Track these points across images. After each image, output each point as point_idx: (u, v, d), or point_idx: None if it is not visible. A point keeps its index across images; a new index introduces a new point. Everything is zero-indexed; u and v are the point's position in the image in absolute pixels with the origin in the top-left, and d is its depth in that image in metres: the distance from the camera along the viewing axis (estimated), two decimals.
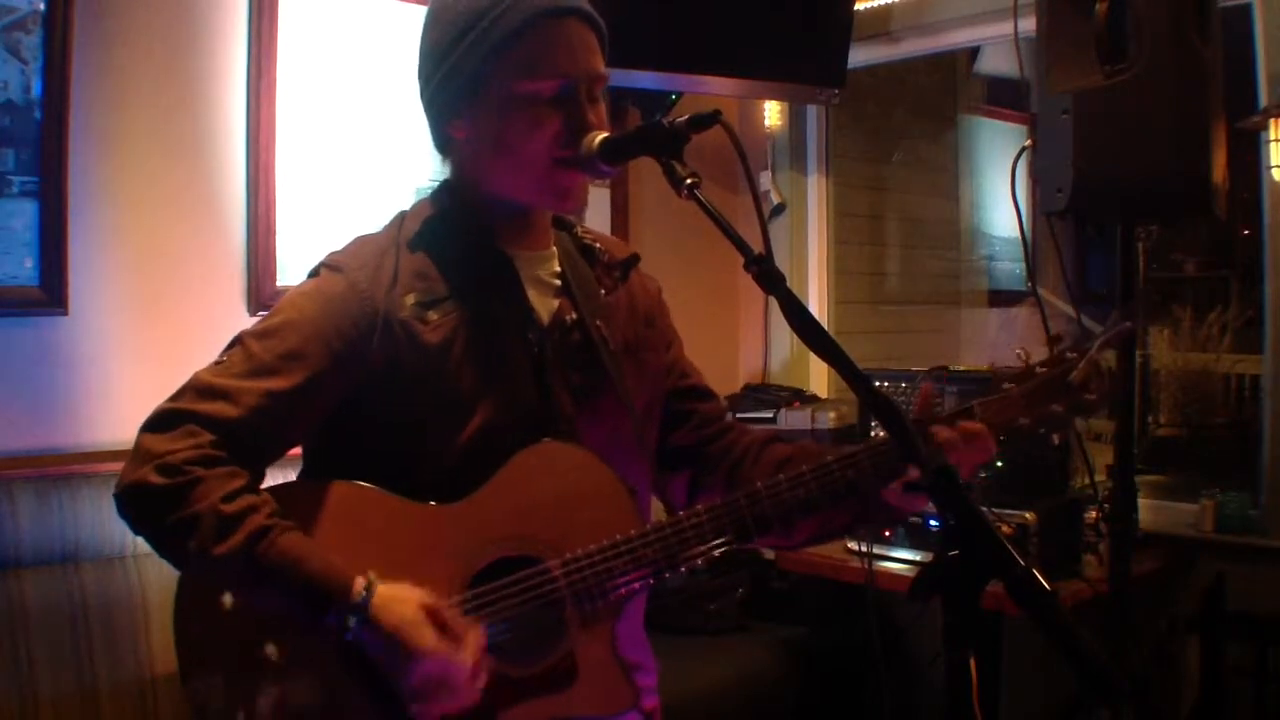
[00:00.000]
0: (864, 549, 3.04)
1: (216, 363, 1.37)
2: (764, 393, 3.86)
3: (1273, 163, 2.98)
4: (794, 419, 3.61)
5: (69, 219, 2.69)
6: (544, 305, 1.50)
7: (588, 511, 1.36)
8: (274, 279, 3.01)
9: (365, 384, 1.38)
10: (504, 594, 1.35)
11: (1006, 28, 2.57)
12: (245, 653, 1.31)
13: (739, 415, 3.73)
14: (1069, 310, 2.90)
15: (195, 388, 1.33)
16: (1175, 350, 4.05)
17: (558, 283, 1.52)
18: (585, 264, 1.57)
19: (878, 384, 2.75)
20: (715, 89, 3.67)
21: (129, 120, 2.81)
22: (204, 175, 2.95)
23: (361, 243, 1.49)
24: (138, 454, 1.30)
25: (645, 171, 1.37)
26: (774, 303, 1.27)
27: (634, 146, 1.47)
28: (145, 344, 2.80)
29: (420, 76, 1.53)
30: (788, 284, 1.28)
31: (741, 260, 1.29)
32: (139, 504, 1.29)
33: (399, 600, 1.27)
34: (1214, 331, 4.07)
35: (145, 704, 2.48)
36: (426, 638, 1.25)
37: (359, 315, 1.38)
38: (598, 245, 1.61)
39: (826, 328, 1.34)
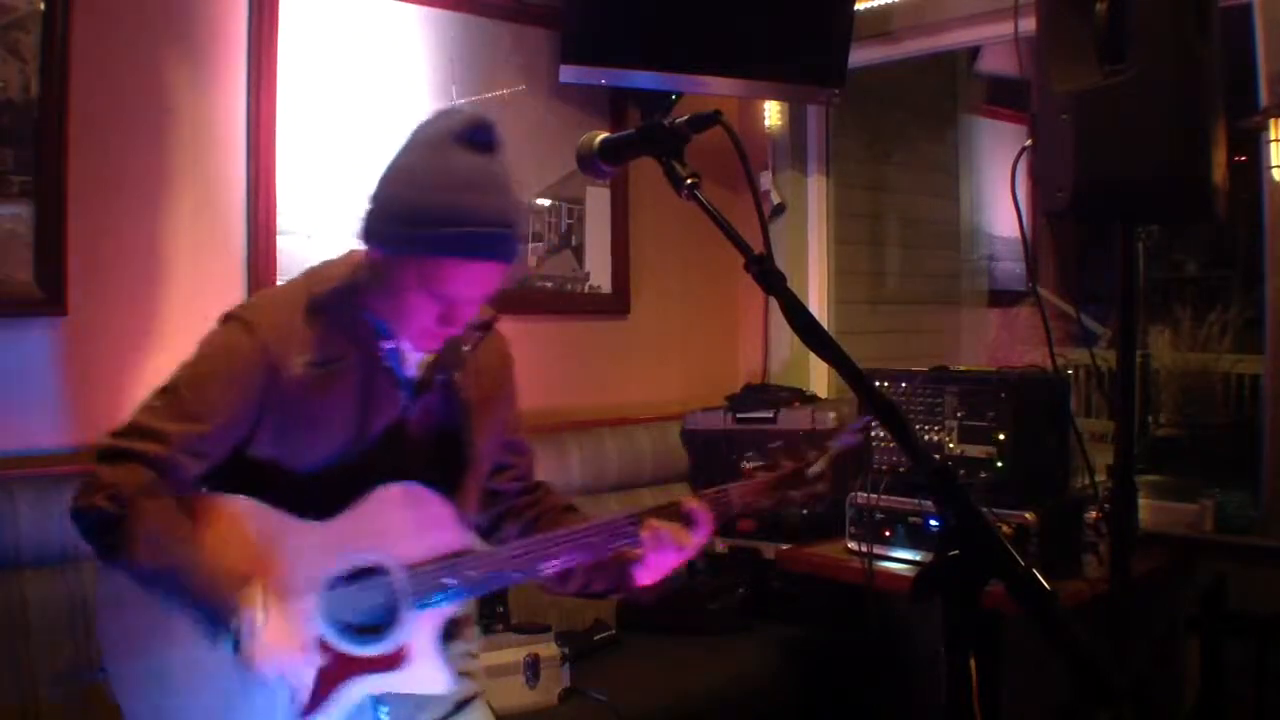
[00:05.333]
0: (864, 549, 3.04)
1: (151, 406, 1.68)
2: (764, 393, 3.86)
3: (1273, 163, 2.98)
4: (794, 419, 3.61)
5: (68, 219, 2.69)
6: (417, 365, 1.79)
7: (428, 538, 1.70)
8: (274, 279, 3.01)
9: (264, 423, 1.69)
10: (357, 594, 1.68)
11: (1006, 28, 2.57)
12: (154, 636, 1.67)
13: (739, 415, 3.73)
14: (1069, 310, 2.90)
15: (135, 429, 1.65)
16: (1175, 350, 4.05)
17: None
18: None
19: (878, 384, 2.76)
20: (715, 89, 3.67)
21: (128, 120, 2.81)
22: (204, 175, 2.95)
23: (269, 302, 1.80)
24: (93, 482, 1.62)
25: (645, 172, 1.37)
26: (774, 303, 1.27)
27: (634, 146, 1.47)
28: (145, 344, 2.80)
29: (373, 193, 1.72)
30: (788, 284, 1.28)
31: (741, 260, 1.30)
32: (91, 523, 1.62)
33: (271, 625, 1.59)
34: (1214, 331, 4.07)
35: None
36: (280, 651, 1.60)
37: (264, 371, 1.68)
38: None
39: (826, 328, 1.35)
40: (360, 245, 1.75)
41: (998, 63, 5.21)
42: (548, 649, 2.91)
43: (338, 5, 3.19)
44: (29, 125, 2.63)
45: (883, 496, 3.06)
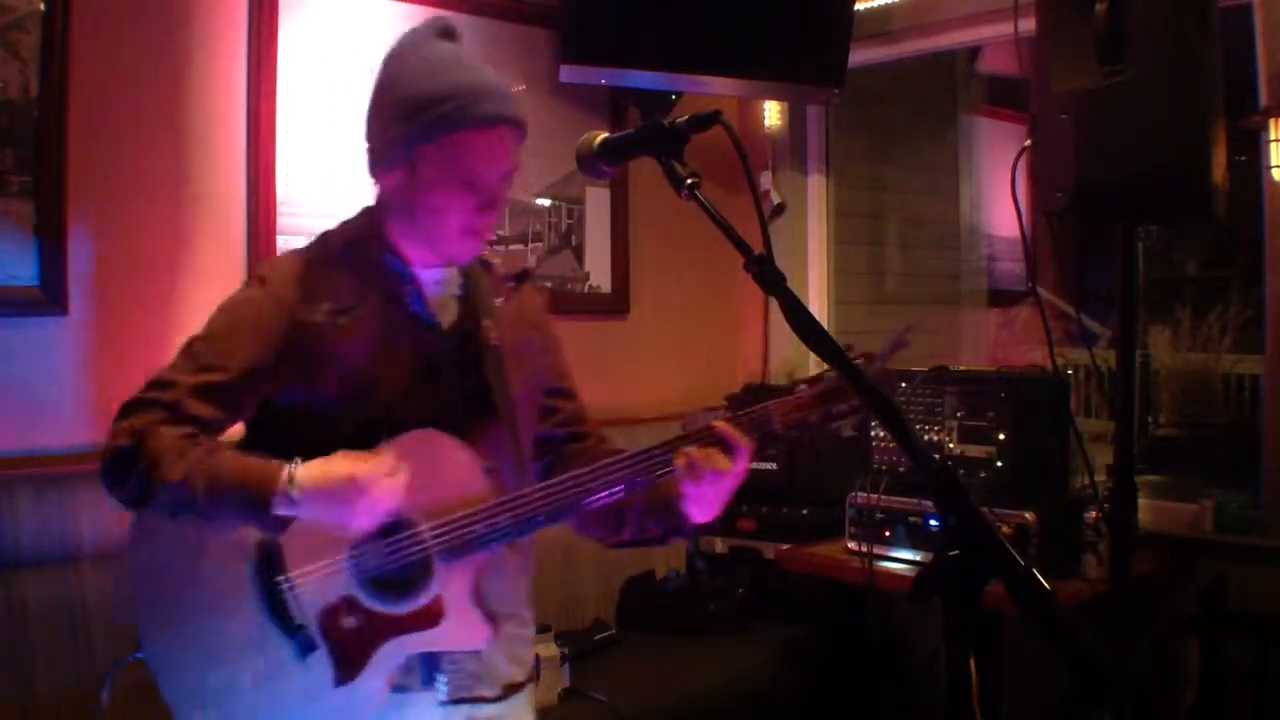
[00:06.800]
0: (864, 549, 3.04)
1: (170, 364, 1.68)
2: (764, 393, 3.86)
3: (1273, 163, 2.98)
4: None
5: (69, 219, 2.69)
6: (445, 312, 1.76)
7: (452, 487, 1.64)
8: None
9: (285, 377, 1.66)
10: (385, 551, 1.63)
11: (1006, 28, 2.57)
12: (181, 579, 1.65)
13: (739, 415, 3.72)
14: (1069, 310, 2.90)
15: (151, 383, 1.65)
16: (1175, 350, 4.05)
17: (459, 293, 1.78)
18: (484, 275, 1.82)
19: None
20: (715, 89, 3.67)
21: (128, 120, 2.81)
22: (204, 175, 2.95)
23: (287, 257, 1.77)
24: (111, 434, 1.61)
25: (645, 172, 1.37)
26: (774, 302, 1.27)
27: (634, 146, 1.47)
28: (145, 344, 2.80)
29: (367, 123, 1.74)
30: (788, 284, 1.28)
31: (741, 260, 1.30)
32: (114, 466, 1.60)
33: (320, 464, 1.58)
34: (1214, 331, 4.07)
35: (144, 703, 2.48)
36: (347, 467, 1.57)
37: (279, 321, 1.66)
38: (495, 260, 1.87)
39: (826, 328, 1.35)
40: (367, 200, 1.79)
41: (998, 63, 5.21)
42: (548, 649, 2.91)
43: (338, 5, 3.19)
44: (29, 125, 2.63)
45: (883, 496, 3.06)
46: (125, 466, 1.58)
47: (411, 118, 1.63)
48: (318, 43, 3.14)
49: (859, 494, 3.12)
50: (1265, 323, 3.11)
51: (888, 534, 3.07)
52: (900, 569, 3.03)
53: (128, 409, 1.63)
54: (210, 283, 2.94)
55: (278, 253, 3.02)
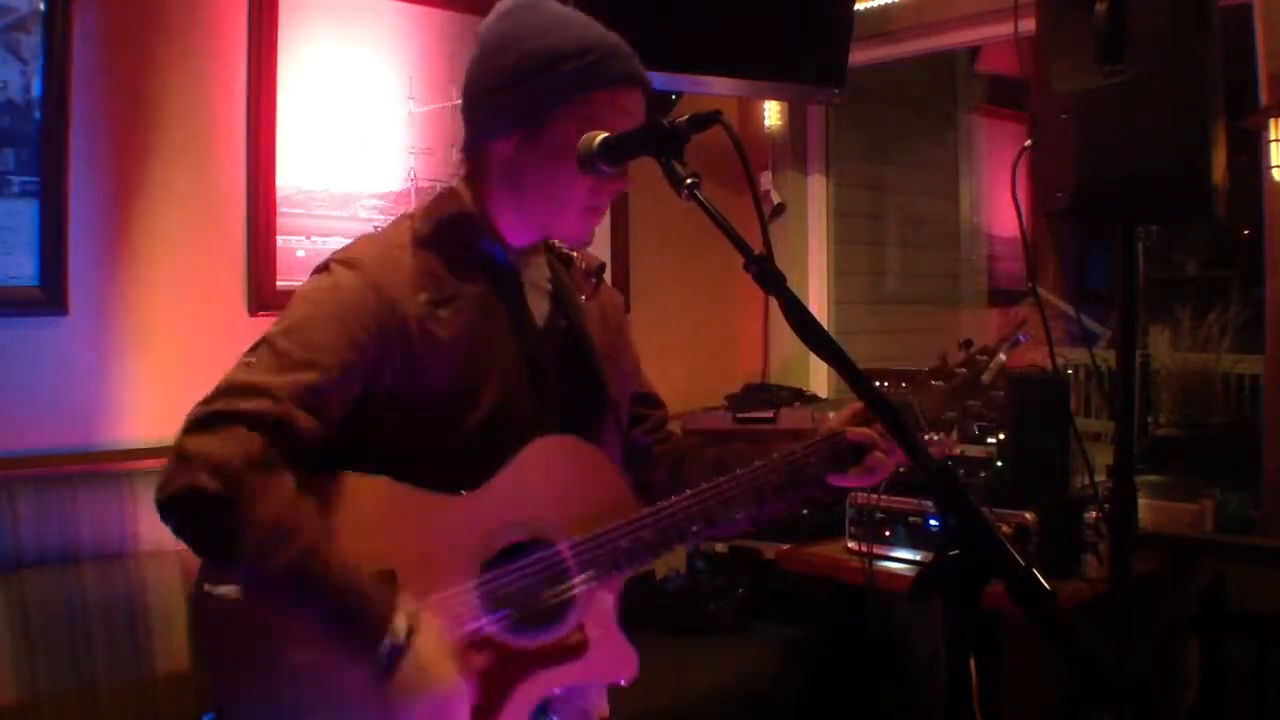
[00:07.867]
0: (864, 549, 3.04)
1: (244, 364, 1.38)
2: (764, 393, 3.86)
3: (1273, 163, 2.98)
4: (794, 419, 3.61)
5: (69, 219, 2.69)
6: (538, 307, 1.60)
7: (591, 499, 1.47)
8: (274, 279, 3.01)
9: (382, 375, 1.43)
10: (519, 575, 1.44)
11: (1006, 28, 2.57)
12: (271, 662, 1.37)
13: (739, 415, 3.73)
14: (1069, 310, 2.90)
15: (231, 389, 1.34)
16: (1175, 350, 4.05)
17: (549, 287, 1.62)
18: (566, 271, 1.67)
19: (878, 384, 2.75)
20: (715, 89, 3.67)
21: (129, 120, 2.81)
22: (204, 175, 2.95)
23: (371, 241, 1.54)
24: (185, 458, 1.28)
25: (645, 172, 1.35)
26: (774, 303, 1.27)
27: (634, 146, 1.47)
28: (145, 344, 2.80)
29: (475, 84, 1.54)
30: (788, 284, 1.28)
31: (741, 260, 1.30)
32: (190, 509, 1.28)
33: (433, 642, 1.36)
34: (1214, 331, 4.07)
35: (145, 703, 2.48)
36: (445, 680, 1.35)
37: (377, 310, 1.42)
38: (574, 253, 1.69)
39: (826, 328, 1.35)
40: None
41: (998, 63, 5.22)
42: None
43: (338, 6, 3.19)
44: (30, 126, 2.63)
45: (883, 496, 3.06)
46: (199, 512, 1.28)
47: (543, 72, 1.44)
48: (318, 42, 3.14)
49: (859, 494, 3.12)
50: (1265, 323, 3.11)
51: (888, 534, 3.06)
52: (900, 569, 3.03)
53: (207, 423, 1.30)
54: (211, 283, 2.95)
55: (277, 254, 3.03)
